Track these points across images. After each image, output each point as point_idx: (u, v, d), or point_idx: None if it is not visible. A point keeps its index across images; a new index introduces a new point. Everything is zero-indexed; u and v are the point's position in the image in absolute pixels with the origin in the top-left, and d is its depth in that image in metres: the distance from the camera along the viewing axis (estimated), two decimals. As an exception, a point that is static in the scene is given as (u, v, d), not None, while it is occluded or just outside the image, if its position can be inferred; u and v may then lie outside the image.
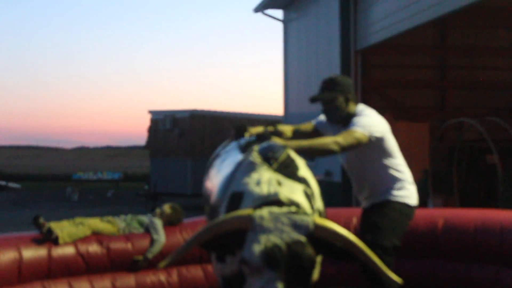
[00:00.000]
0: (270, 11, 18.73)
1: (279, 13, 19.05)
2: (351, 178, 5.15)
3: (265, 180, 3.63)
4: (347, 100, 4.89)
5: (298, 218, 3.26)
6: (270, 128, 4.26)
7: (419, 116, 17.34)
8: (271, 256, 3.09)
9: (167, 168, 20.44)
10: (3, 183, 29.87)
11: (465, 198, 13.86)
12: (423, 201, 13.75)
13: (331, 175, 15.35)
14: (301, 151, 4.22)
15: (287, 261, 3.10)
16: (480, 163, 14.81)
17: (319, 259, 3.82)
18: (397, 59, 17.54)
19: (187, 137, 19.82)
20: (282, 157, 3.86)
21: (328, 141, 4.44)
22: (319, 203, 3.94)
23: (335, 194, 14.96)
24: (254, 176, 3.69)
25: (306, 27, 17.36)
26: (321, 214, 3.90)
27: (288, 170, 3.80)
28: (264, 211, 3.27)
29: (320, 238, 3.26)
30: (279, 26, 19.25)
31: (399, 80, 17.57)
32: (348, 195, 14.69)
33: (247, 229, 3.23)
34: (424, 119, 16.90)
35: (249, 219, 3.24)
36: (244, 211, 3.33)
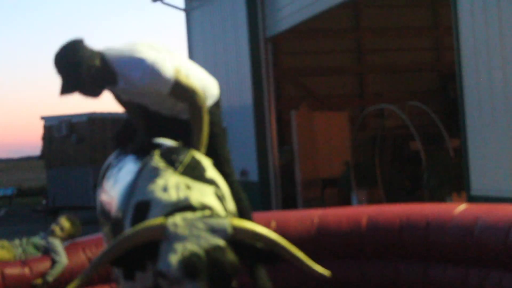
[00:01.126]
0: (169, 0, 18.64)
1: (180, 1, 19.02)
2: None
3: (172, 185, 3.63)
4: None
5: (215, 222, 3.28)
6: None
7: (337, 105, 17.59)
8: (190, 265, 3.09)
9: (66, 179, 20.02)
10: None
11: (391, 189, 14.16)
12: (347, 196, 14.00)
13: (247, 175, 15.40)
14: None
15: (207, 269, 3.11)
16: (404, 151, 15.18)
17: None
18: (311, 45, 17.70)
19: (86, 143, 19.48)
20: (187, 159, 3.87)
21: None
22: (231, 204, 3.98)
23: (252, 195, 14.95)
24: (159, 182, 3.67)
25: (210, 15, 17.35)
26: (234, 216, 3.93)
27: (196, 173, 3.81)
28: (177, 218, 3.26)
29: (240, 241, 3.28)
30: (181, 16, 19.21)
31: (314, 67, 17.76)
32: (267, 196, 14.80)
33: (160, 239, 3.21)
34: (342, 108, 17.14)
35: (162, 228, 3.22)
36: (155, 220, 3.30)
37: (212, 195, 3.71)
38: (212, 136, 4.32)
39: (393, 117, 14.96)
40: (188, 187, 3.63)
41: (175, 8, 18.85)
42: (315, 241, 5.71)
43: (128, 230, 3.44)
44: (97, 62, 4.09)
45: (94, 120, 19.67)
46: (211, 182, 3.85)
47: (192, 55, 18.82)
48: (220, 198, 3.79)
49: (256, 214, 6.34)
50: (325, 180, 15.57)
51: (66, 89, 4.10)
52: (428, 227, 5.26)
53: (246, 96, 15.14)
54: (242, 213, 4.25)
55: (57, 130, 20.03)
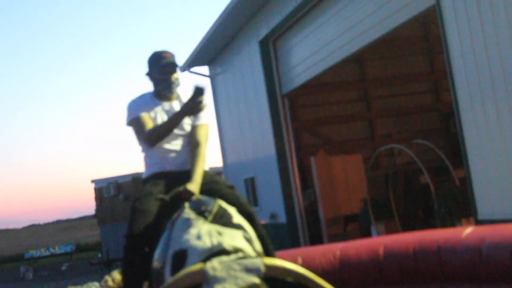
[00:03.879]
0: (196, 69, 18.82)
1: (205, 69, 19.18)
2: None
3: (205, 232, 3.57)
4: None
5: (249, 262, 3.20)
6: (181, 188, 4.15)
7: (351, 148, 17.58)
8: None
9: (117, 233, 20.05)
10: None
11: (406, 220, 13.99)
12: (367, 230, 13.82)
13: (276, 218, 15.30)
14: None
15: None
16: (416, 184, 15.02)
17: None
18: (324, 98, 17.85)
19: (131, 201, 19.47)
20: (215, 208, 3.84)
21: (203, 157, 4.36)
22: (257, 245, 3.93)
23: (282, 235, 14.89)
24: (193, 231, 3.61)
25: (232, 79, 17.47)
26: (260, 255, 3.87)
27: (224, 220, 3.78)
28: (215, 262, 3.18)
29: (272, 277, 3.20)
30: (207, 82, 19.36)
31: (328, 117, 17.84)
32: (295, 235, 14.66)
33: (201, 283, 3.12)
34: (356, 151, 17.12)
35: (202, 272, 3.14)
36: (194, 266, 3.23)
37: (241, 238, 3.68)
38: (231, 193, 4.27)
39: (402, 155, 14.89)
40: (220, 233, 3.59)
41: (201, 76, 19.04)
42: (338, 273, 5.59)
43: (170, 278, 3.36)
44: None
45: (138, 179, 19.70)
46: (238, 227, 3.82)
47: (218, 116, 18.93)
48: (249, 240, 3.76)
49: (285, 252, 6.26)
50: (346, 216, 15.46)
51: None
52: (439, 251, 5.11)
53: (269, 147, 15.10)
54: (267, 252, 4.17)
55: (106, 191, 20.13)
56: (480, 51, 8.03)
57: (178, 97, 4.47)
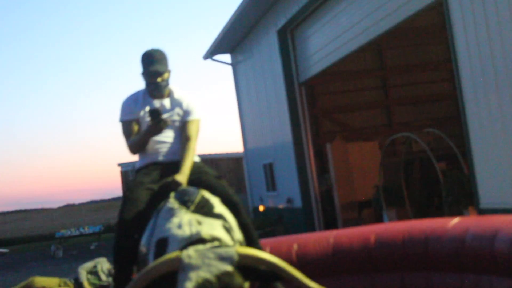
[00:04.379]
0: (218, 57, 18.91)
1: (227, 57, 19.26)
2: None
3: (185, 222, 3.68)
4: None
5: (223, 251, 3.34)
6: (170, 178, 4.24)
7: (368, 135, 17.56)
8: None
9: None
10: (-11, 248, 29.41)
11: (421, 207, 13.92)
12: (379, 215, 13.80)
13: (292, 202, 15.36)
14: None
15: None
16: (431, 172, 14.92)
17: (246, 285, 3.87)
18: (342, 85, 17.86)
19: (156, 184, 19.57)
20: (197, 199, 3.91)
21: (193, 151, 4.43)
22: (238, 234, 4.00)
23: (298, 219, 14.96)
24: (175, 220, 3.72)
25: (252, 67, 17.52)
26: (241, 244, 3.95)
27: (205, 210, 3.85)
28: (191, 250, 3.32)
29: (245, 265, 3.33)
30: (229, 69, 19.44)
31: (347, 104, 17.84)
32: (310, 220, 14.70)
33: (178, 270, 3.26)
34: (374, 138, 17.08)
35: (178, 260, 3.28)
36: (172, 254, 3.35)
37: (220, 227, 3.74)
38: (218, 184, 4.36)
39: (418, 143, 14.79)
40: (199, 223, 3.68)
41: (224, 63, 19.12)
42: (331, 259, 5.64)
43: (150, 264, 3.47)
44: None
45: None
46: (219, 216, 3.88)
47: (240, 103, 19.01)
48: (228, 229, 3.82)
49: (281, 238, 6.33)
50: (361, 202, 15.45)
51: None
52: (426, 240, 5.15)
53: (286, 134, 15.15)
54: (250, 240, 4.25)
55: (131, 174, 20.28)
56: (484, 43, 7.98)
57: (170, 94, 4.54)
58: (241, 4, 14.62)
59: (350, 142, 16.35)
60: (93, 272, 6.66)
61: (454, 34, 8.60)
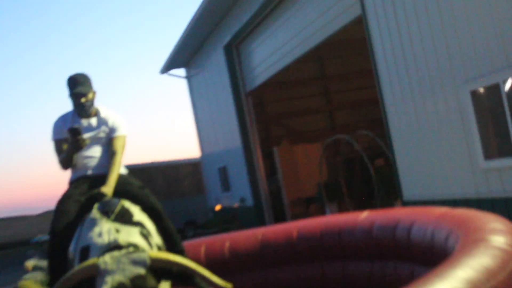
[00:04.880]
0: (174, 71, 18.91)
1: (181, 71, 19.27)
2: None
3: (105, 230, 3.72)
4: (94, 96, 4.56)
5: (136, 255, 3.41)
6: (96, 190, 4.29)
7: (314, 138, 17.75)
8: None
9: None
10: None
11: (362, 200, 14.13)
12: (323, 209, 13.99)
13: (245, 201, 15.46)
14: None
15: None
16: (369, 168, 15.16)
17: (166, 285, 3.95)
18: (288, 93, 18.01)
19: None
20: (117, 209, 3.93)
21: (118, 164, 4.45)
22: (156, 239, 4.05)
23: (250, 216, 15.06)
24: (96, 229, 3.75)
25: (204, 80, 17.58)
26: (160, 248, 4.02)
27: (124, 218, 3.88)
28: (107, 257, 3.38)
29: (158, 268, 3.41)
30: (184, 82, 19.46)
31: (293, 110, 18.01)
32: (261, 216, 14.80)
33: (95, 275, 3.33)
34: (319, 140, 17.27)
35: (95, 266, 3.34)
36: (89, 261, 3.41)
37: (137, 234, 3.77)
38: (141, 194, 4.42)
39: (361, 142, 15.00)
40: (117, 231, 3.71)
41: (179, 77, 19.13)
42: (260, 253, 5.73)
43: (70, 271, 3.52)
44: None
45: (149, 169, 19.76)
46: (137, 224, 3.91)
47: (195, 112, 19.04)
48: (145, 235, 3.85)
49: (215, 237, 6.38)
50: (308, 198, 15.63)
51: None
52: (340, 233, 5.29)
53: (236, 140, 15.24)
54: (172, 243, 4.31)
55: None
56: (399, 55, 8.20)
57: (97, 113, 4.56)
58: (190, 22, 14.66)
59: (296, 144, 16.55)
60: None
61: (373, 47, 8.80)
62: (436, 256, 3.97)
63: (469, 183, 7.20)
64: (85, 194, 4.29)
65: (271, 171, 16.04)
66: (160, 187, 20.30)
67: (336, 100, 18.59)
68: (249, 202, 15.16)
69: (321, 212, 14.17)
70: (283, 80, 16.41)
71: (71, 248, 3.98)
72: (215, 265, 5.85)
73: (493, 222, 3.59)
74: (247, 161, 14.86)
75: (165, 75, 18.84)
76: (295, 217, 14.71)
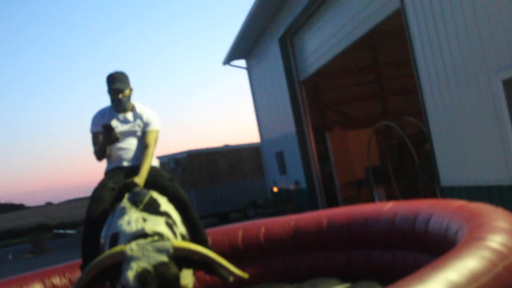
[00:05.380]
0: (235, 62, 18.89)
1: (242, 62, 19.21)
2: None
3: (133, 219, 3.70)
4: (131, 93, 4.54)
5: (160, 244, 3.36)
6: (129, 180, 4.27)
7: (367, 123, 17.36)
8: (141, 278, 3.19)
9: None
10: (61, 231, 30.06)
11: (413, 184, 13.71)
12: (372, 192, 13.67)
13: (299, 184, 15.31)
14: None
15: (155, 280, 3.19)
16: (420, 153, 14.69)
17: (188, 273, 3.90)
18: (342, 81, 17.70)
19: (187, 172, 19.77)
20: (146, 199, 3.92)
21: (150, 157, 4.43)
22: (181, 228, 4.02)
23: (303, 198, 14.92)
24: (126, 218, 3.74)
25: (262, 70, 17.47)
26: (184, 237, 3.96)
27: (152, 208, 3.86)
28: (133, 244, 3.35)
29: (180, 256, 3.36)
30: (245, 72, 19.40)
31: (347, 97, 17.71)
32: (314, 198, 14.64)
33: (123, 261, 3.30)
34: (371, 125, 16.89)
35: (122, 253, 3.32)
36: (117, 248, 3.39)
37: (163, 224, 3.75)
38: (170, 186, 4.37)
39: (411, 127, 14.55)
40: (145, 220, 3.69)
41: (240, 68, 19.09)
42: (292, 240, 5.63)
43: (99, 257, 3.50)
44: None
45: (192, 155, 19.91)
46: (163, 214, 3.88)
47: (255, 101, 18.98)
48: (171, 225, 3.82)
49: (251, 223, 6.29)
50: (359, 181, 15.31)
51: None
52: (366, 222, 5.09)
53: (290, 126, 15.08)
54: (196, 232, 4.26)
55: (168, 165, 20.42)
56: (435, 45, 7.84)
57: (133, 108, 4.56)
58: (247, 17, 14.57)
59: (349, 130, 16.23)
60: None
61: (411, 38, 8.46)
62: (447, 249, 3.75)
63: (501, 169, 6.81)
64: (119, 184, 4.30)
65: (324, 156, 15.80)
66: (224, 170, 20.40)
67: (389, 87, 18.10)
68: (303, 184, 15.00)
69: (371, 194, 13.84)
70: (337, 69, 16.20)
71: (103, 234, 3.99)
72: (251, 249, 5.80)
73: (500, 219, 3.32)
74: (300, 146, 14.68)
75: (227, 66, 18.83)
76: (347, 199, 14.45)
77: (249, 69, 18.88)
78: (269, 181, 18.87)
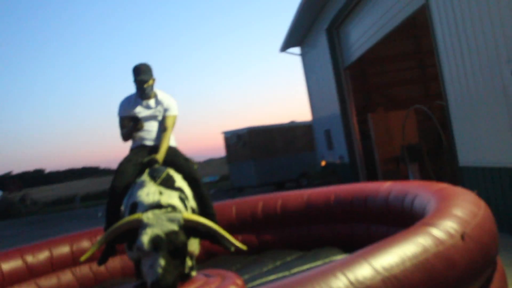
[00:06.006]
0: (291, 50, 18.75)
1: (297, 49, 19.02)
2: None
3: (151, 192, 3.82)
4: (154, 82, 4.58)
5: (172, 215, 3.47)
6: (151, 156, 4.37)
7: (409, 105, 16.87)
8: (154, 242, 3.31)
9: (239, 168, 20.63)
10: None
11: (437, 162, 13.30)
12: (405, 169, 13.33)
13: (343, 159, 15.16)
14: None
15: (166, 245, 3.30)
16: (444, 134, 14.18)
17: (195, 241, 3.99)
18: (387, 66, 17.25)
19: (247, 146, 19.95)
20: (163, 175, 4.02)
21: (168, 138, 4.48)
22: (192, 203, 4.09)
23: (347, 172, 14.77)
24: (145, 190, 3.86)
25: (313, 57, 17.27)
26: (194, 210, 4.05)
27: (168, 184, 3.96)
28: (149, 213, 3.48)
29: (189, 227, 3.47)
30: (298, 59, 19.23)
31: (392, 81, 17.28)
32: (355, 172, 14.47)
33: (139, 227, 3.45)
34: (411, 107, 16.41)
35: (139, 220, 3.45)
36: (135, 215, 3.52)
37: (176, 197, 3.83)
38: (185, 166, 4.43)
39: (444, 110, 14.04)
40: (161, 193, 3.79)
41: (295, 55, 18.94)
42: (305, 212, 5.65)
43: (120, 221, 3.65)
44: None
45: (252, 131, 20.05)
46: (178, 189, 3.96)
47: (308, 84, 18.81)
48: (183, 199, 3.90)
49: (270, 195, 6.27)
50: (397, 157, 14.95)
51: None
52: (366, 199, 5.05)
53: (336, 107, 14.90)
54: (204, 207, 4.32)
55: (231, 139, 20.66)
56: (455, 38, 7.52)
57: (155, 96, 4.65)
58: (298, 9, 14.41)
59: (390, 111, 15.83)
60: None
61: (434, 32, 8.16)
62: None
63: (510, 152, 6.51)
64: (142, 159, 4.42)
65: (368, 134, 15.52)
66: (280, 145, 20.45)
67: (431, 73, 17.47)
68: (346, 160, 14.84)
69: (407, 171, 13.51)
70: (384, 55, 15.89)
71: (124, 202, 4.13)
72: (269, 219, 5.85)
73: (460, 207, 3.22)
74: (344, 125, 14.50)
75: (284, 53, 18.72)
76: (386, 173, 14.17)
77: (302, 55, 18.70)
78: (319, 155, 18.77)
